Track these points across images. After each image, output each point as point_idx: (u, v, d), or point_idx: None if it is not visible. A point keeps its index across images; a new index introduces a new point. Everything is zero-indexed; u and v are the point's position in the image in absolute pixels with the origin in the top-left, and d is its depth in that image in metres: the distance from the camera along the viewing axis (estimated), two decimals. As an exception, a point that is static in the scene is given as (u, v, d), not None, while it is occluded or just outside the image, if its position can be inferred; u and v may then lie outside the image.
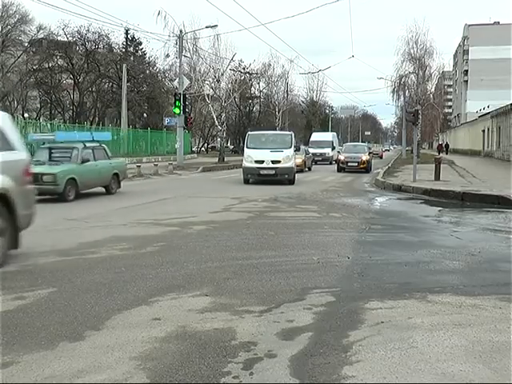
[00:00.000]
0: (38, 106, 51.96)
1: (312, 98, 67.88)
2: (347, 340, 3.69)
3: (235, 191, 15.19)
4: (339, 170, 26.52)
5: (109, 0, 46.44)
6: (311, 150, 32.92)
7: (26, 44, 48.32)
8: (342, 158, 26.95)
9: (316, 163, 34.36)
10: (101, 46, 47.30)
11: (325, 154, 37.88)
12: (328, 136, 42.91)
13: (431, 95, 48.42)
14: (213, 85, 37.38)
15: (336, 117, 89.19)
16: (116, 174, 14.62)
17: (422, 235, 8.30)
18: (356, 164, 26.31)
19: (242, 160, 19.53)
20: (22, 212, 6.12)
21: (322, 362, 3.31)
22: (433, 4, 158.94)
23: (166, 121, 39.41)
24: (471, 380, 3.11)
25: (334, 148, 39.59)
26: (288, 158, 18.37)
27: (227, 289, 4.96)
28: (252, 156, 18.48)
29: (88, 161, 13.46)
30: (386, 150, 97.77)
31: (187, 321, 4.06)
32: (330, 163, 35.41)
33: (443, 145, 64.28)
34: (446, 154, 55.89)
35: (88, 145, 13.97)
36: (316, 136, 42.41)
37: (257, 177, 18.36)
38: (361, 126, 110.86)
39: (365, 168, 26.22)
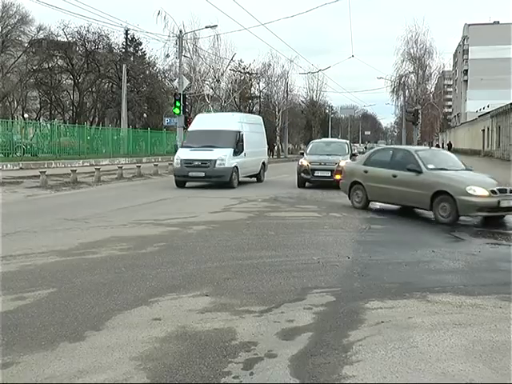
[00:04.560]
0: (38, 106, 51.97)
1: (312, 97, 67.86)
2: (347, 340, 3.69)
3: (235, 191, 15.19)
4: (301, 183, 16.82)
5: (109, 0, 46.47)
6: (185, 155, 16.36)
7: (26, 44, 48.32)
8: (305, 163, 16.82)
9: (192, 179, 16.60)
10: (101, 46, 47.30)
11: (209, 161, 16.00)
12: (230, 121, 17.79)
13: (431, 95, 48.48)
14: (213, 85, 37.45)
15: (336, 117, 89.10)
16: None
17: (422, 235, 8.30)
18: (328, 174, 16.23)
19: None
20: None
21: (322, 362, 3.31)
22: (433, 4, 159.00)
23: (166, 121, 39.38)
24: (471, 379, 3.11)
25: (236, 152, 16.78)
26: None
27: (227, 289, 4.96)
28: None
29: None
30: None
31: (187, 321, 4.06)
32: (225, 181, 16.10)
33: (445, 144, 64.20)
34: None
35: None
36: (202, 121, 18.26)
37: None
38: (361, 126, 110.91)
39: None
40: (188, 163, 15.94)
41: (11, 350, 3.46)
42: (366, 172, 11.10)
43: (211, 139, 16.51)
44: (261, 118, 22.64)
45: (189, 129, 18.94)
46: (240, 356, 3.40)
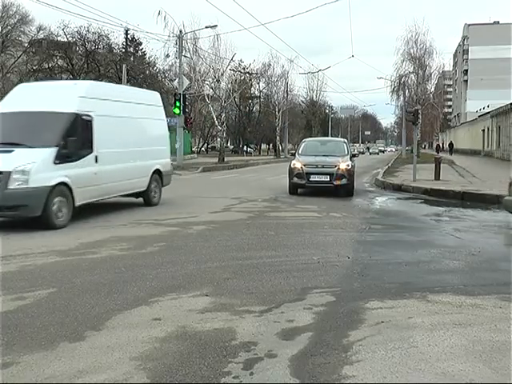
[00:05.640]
0: (38, 106, 51.94)
1: (312, 97, 67.90)
2: (347, 340, 3.69)
3: (235, 191, 15.17)
4: (293, 190, 14.39)
5: (109, 0, 46.50)
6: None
7: (26, 44, 48.35)
8: (298, 165, 14.08)
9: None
10: (101, 46, 47.27)
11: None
12: (63, 97, 9.29)
13: (431, 95, 48.43)
14: (213, 85, 37.35)
15: (336, 117, 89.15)
16: None
17: (421, 235, 8.30)
18: (327, 178, 13.79)
19: (241, 160, 18.74)
20: None
21: (322, 362, 3.31)
22: (433, 4, 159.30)
23: (166, 121, 39.29)
24: (471, 379, 3.11)
25: (67, 155, 8.69)
26: None
27: (227, 289, 4.96)
28: None
29: None
30: (379, 151, 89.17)
31: (187, 321, 4.06)
32: (33, 215, 8.30)
33: (446, 144, 64.08)
34: (450, 154, 54.86)
35: None
36: (18, 97, 9.74)
37: None
38: (361, 126, 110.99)
39: (342, 186, 13.82)
40: None
41: (11, 350, 3.46)
42: None
43: (18, 131, 8.93)
44: (157, 93, 13.40)
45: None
46: (240, 356, 3.40)
